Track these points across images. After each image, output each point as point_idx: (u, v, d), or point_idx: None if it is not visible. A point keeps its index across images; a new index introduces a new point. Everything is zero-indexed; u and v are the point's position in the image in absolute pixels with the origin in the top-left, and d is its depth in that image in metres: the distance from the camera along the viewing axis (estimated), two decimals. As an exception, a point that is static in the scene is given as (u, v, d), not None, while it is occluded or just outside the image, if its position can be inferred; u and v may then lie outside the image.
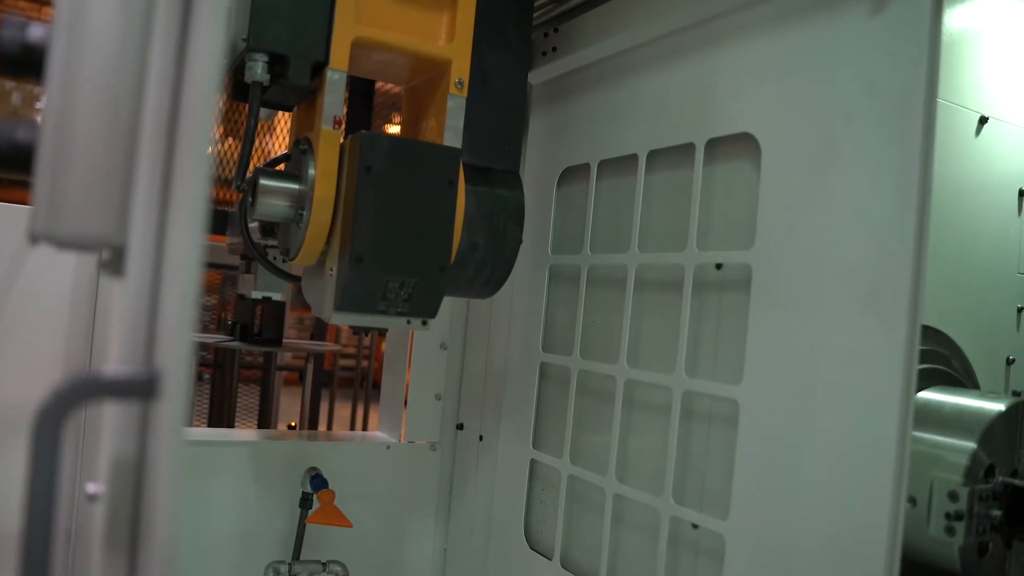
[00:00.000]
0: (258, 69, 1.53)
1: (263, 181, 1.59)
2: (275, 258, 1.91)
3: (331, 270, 1.61)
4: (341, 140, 1.60)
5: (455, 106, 1.67)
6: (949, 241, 2.09)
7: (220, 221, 2.61)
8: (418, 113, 1.79)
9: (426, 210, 1.60)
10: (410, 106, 1.84)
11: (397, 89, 1.93)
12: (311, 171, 1.58)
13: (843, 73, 1.37)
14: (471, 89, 1.69)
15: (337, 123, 1.58)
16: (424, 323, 1.69)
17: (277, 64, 1.55)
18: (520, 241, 1.77)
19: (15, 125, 0.83)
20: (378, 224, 1.54)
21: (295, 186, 1.60)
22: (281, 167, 1.75)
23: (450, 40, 1.68)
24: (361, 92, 1.91)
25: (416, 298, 1.62)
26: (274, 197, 1.59)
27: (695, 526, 1.63)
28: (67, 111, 0.75)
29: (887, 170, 1.27)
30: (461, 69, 1.67)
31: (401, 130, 1.87)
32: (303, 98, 1.69)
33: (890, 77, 1.29)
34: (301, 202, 1.60)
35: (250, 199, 1.61)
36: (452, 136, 1.67)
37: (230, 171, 5.53)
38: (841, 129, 1.36)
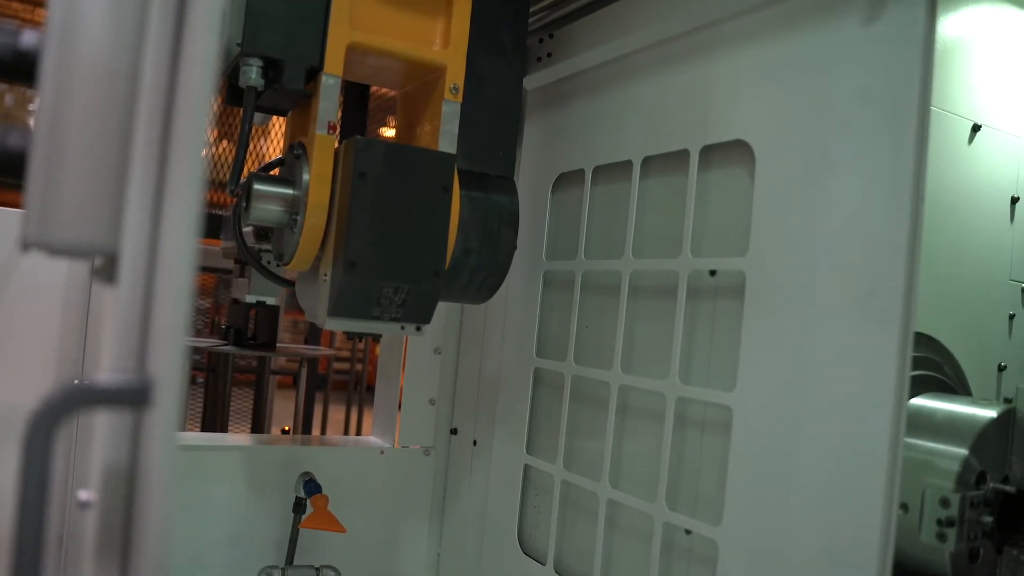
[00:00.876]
0: (252, 74, 1.53)
1: (257, 186, 1.58)
2: (269, 262, 1.91)
3: (325, 276, 1.61)
4: (336, 145, 1.60)
5: (450, 111, 1.67)
6: (942, 248, 2.10)
7: (214, 225, 2.61)
8: (413, 118, 1.79)
9: (420, 215, 1.60)
10: (405, 111, 1.84)
11: (393, 93, 1.93)
12: (305, 176, 1.58)
13: (837, 80, 1.37)
14: (466, 94, 1.69)
15: (332, 128, 1.58)
16: (418, 328, 1.69)
17: (272, 69, 1.55)
18: (515, 247, 1.77)
19: (7, 131, 0.83)
20: (372, 230, 1.54)
21: (289, 191, 1.60)
22: (275, 172, 1.75)
23: (445, 45, 1.68)
24: (355, 96, 1.91)
25: (410, 304, 1.62)
26: (268, 202, 1.59)
27: (688, 532, 1.63)
28: (60, 117, 0.75)
29: (881, 177, 1.28)
30: (456, 74, 1.67)
31: (396, 134, 1.87)
32: (298, 103, 1.69)
33: (884, 85, 1.29)
34: (295, 207, 1.59)
35: (244, 204, 1.60)
36: (447, 141, 1.67)
37: (224, 174, 5.52)
38: (835, 136, 1.37)
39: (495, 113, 1.76)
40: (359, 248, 1.53)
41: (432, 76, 1.71)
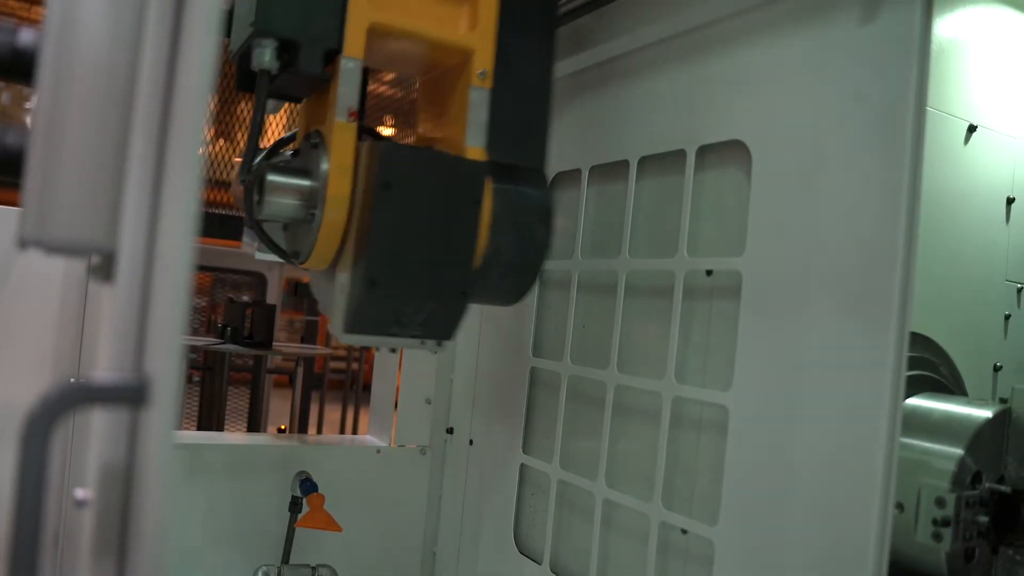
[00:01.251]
0: (266, 56, 1.37)
1: (271, 177, 1.44)
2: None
3: (342, 285, 1.48)
4: (356, 135, 1.46)
5: (478, 99, 1.51)
6: (937, 248, 2.10)
7: (210, 224, 2.61)
8: (436, 108, 1.64)
9: (448, 230, 1.46)
10: (426, 100, 1.68)
11: (390, 92, 1.91)
12: (324, 166, 1.43)
13: (833, 82, 1.38)
14: (494, 80, 1.53)
15: (352, 115, 1.44)
16: (439, 344, 1.56)
17: (287, 51, 1.40)
18: (548, 244, 1.60)
19: (5, 130, 0.83)
20: (395, 246, 1.41)
21: (306, 183, 1.45)
22: (286, 150, 1.61)
23: (472, 28, 1.52)
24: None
25: (433, 322, 1.49)
26: (284, 195, 1.45)
27: (684, 531, 1.63)
28: (57, 115, 0.75)
29: (876, 178, 1.28)
30: (484, 59, 1.51)
31: (417, 126, 1.71)
32: (313, 88, 1.54)
33: (880, 86, 1.30)
34: (313, 200, 1.45)
35: (257, 197, 1.46)
36: (475, 131, 1.52)
37: (221, 173, 5.51)
38: (831, 137, 1.37)
39: (526, 100, 1.59)
40: (381, 266, 1.40)
41: (457, 61, 1.55)
